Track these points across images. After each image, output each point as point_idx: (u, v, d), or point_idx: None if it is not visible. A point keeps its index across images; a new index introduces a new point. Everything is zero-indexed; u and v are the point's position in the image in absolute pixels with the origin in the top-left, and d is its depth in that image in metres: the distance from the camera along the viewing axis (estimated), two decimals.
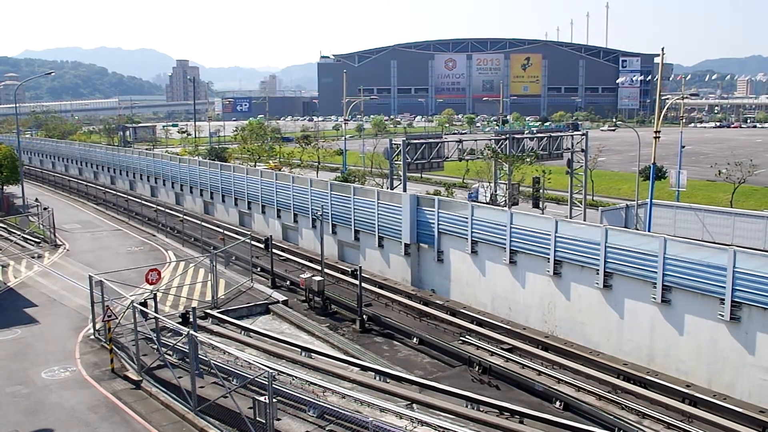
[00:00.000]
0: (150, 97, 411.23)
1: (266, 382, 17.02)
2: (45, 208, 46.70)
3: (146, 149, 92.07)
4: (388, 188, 42.97)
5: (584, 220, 44.09)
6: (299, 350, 24.42)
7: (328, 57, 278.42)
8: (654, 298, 22.90)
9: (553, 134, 49.18)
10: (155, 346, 22.59)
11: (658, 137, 40.08)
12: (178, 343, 22.78)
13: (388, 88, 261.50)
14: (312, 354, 24.07)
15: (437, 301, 30.28)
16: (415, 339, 26.57)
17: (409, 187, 42.69)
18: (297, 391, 20.27)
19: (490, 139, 47.64)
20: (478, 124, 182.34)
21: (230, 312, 29.00)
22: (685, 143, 55.55)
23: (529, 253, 27.31)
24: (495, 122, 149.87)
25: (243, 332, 26.73)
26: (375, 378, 21.95)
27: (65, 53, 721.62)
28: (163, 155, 68.08)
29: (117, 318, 23.72)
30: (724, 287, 20.86)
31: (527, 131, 57.23)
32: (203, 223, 43.93)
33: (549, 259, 26.31)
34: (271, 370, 17.83)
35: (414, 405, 19.95)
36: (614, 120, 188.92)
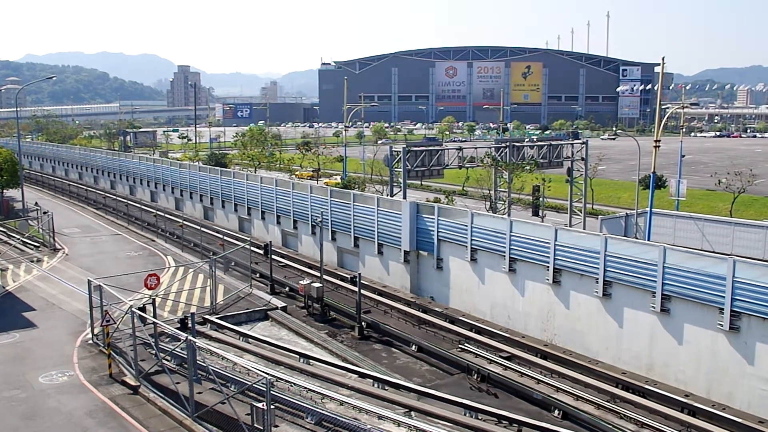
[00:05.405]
0: (151, 102, 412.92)
1: (264, 389, 17.00)
2: (45, 212, 46.72)
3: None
4: (387, 195, 42.98)
5: (584, 229, 44.08)
6: (298, 357, 24.39)
7: (329, 64, 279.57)
8: (653, 307, 22.88)
9: (553, 143, 49.21)
10: (153, 352, 22.55)
11: (658, 146, 40.12)
12: (176, 349, 22.74)
13: (389, 95, 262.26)
14: (310, 360, 24.03)
15: (436, 309, 30.23)
16: (413, 346, 26.52)
17: (409, 195, 42.68)
18: (295, 397, 20.23)
19: (490, 147, 47.64)
20: (477, 132, 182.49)
21: (229, 318, 28.97)
22: (685, 152, 55.59)
23: (529, 261, 27.30)
24: (495, 130, 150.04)
25: (241, 338, 26.70)
26: (373, 385, 21.91)
27: (67, 58, 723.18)
28: (163, 160, 68.13)
29: (115, 323, 23.73)
30: (724, 297, 20.85)
31: (527, 139, 57.28)
32: (203, 229, 43.89)
33: (548, 267, 26.30)
34: (270, 377, 17.83)
35: (412, 412, 19.91)
36: (614, 129, 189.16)
